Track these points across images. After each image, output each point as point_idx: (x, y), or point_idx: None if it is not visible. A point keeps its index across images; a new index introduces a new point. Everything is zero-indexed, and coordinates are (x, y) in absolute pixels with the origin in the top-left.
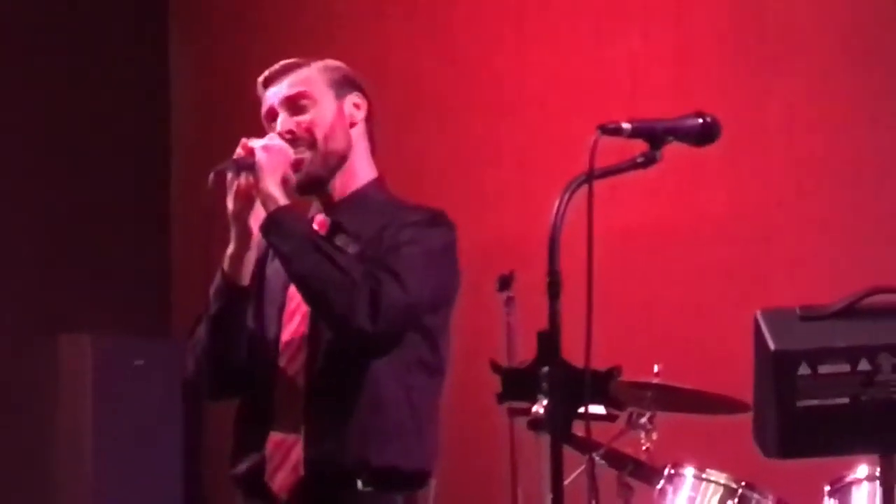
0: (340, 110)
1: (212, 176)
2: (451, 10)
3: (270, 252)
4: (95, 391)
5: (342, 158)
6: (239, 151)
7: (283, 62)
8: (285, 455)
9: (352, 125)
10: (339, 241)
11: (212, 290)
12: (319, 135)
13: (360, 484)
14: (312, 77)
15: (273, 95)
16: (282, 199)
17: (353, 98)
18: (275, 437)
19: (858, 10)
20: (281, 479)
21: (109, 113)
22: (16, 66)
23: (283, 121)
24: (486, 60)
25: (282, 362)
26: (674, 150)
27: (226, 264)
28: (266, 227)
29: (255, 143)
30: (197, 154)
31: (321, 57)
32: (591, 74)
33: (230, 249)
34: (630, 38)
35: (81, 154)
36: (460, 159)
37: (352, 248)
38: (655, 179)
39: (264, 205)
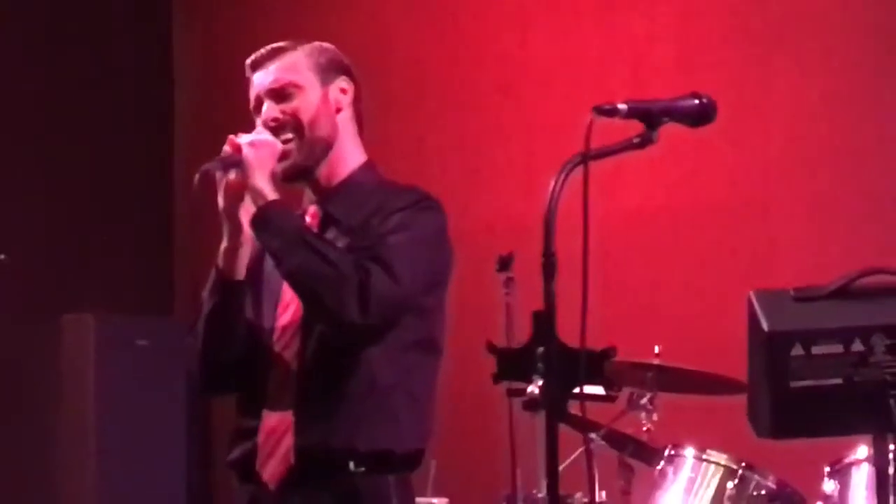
0: (325, 97)
1: (197, 176)
2: None
3: None
4: (98, 371)
5: (328, 145)
6: (226, 149)
7: (270, 46)
8: (276, 444)
9: (338, 111)
10: (332, 233)
11: (207, 287)
12: (305, 120)
13: (351, 465)
14: (298, 63)
15: (259, 84)
16: (270, 194)
17: (340, 83)
18: (268, 420)
19: None
20: (271, 469)
21: (112, 93)
22: (17, 46)
23: (268, 109)
24: (490, 41)
25: (277, 349)
26: (675, 131)
27: (220, 260)
28: (255, 223)
29: (243, 140)
30: (200, 134)
31: (319, 38)
32: (594, 55)
33: (223, 244)
34: (633, 20)
35: (84, 134)
36: (463, 140)
37: (344, 241)
38: (657, 161)
39: (253, 200)
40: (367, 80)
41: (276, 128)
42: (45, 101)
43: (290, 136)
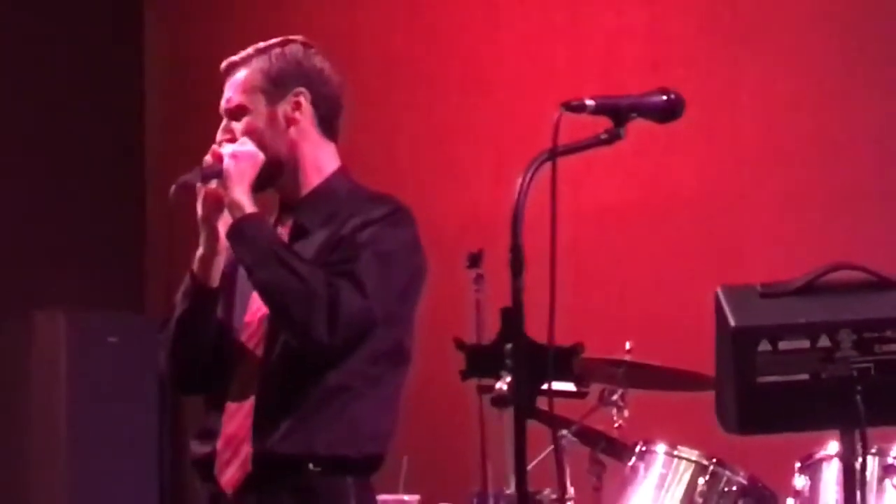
0: (273, 117)
1: (174, 187)
2: None
3: None
4: (69, 368)
5: (276, 164)
6: (207, 159)
7: (230, 59)
8: (235, 451)
9: (292, 124)
10: (302, 244)
11: (180, 290)
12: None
13: (310, 465)
14: (249, 81)
15: (224, 96)
16: (248, 207)
17: (292, 97)
18: (228, 425)
19: None
20: (229, 475)
21: (84, 90)
22: None
23: (222, 127)
24: (460, 37)
25: (243, 348)
26: (645, 127)
27: (195, 266)
28: (231, 235)
29: (225, 150)
30: (171, 129)
31: (289, 33)
32: (565, 51)
33: (199, 251)
34: (604, 15)
35: (54, 131)
36: (433, 136)
37: (313, 252)
38: (628, 157)
39: (231, 212)
40: (338, 74)
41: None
42: (14, 98)
43: None
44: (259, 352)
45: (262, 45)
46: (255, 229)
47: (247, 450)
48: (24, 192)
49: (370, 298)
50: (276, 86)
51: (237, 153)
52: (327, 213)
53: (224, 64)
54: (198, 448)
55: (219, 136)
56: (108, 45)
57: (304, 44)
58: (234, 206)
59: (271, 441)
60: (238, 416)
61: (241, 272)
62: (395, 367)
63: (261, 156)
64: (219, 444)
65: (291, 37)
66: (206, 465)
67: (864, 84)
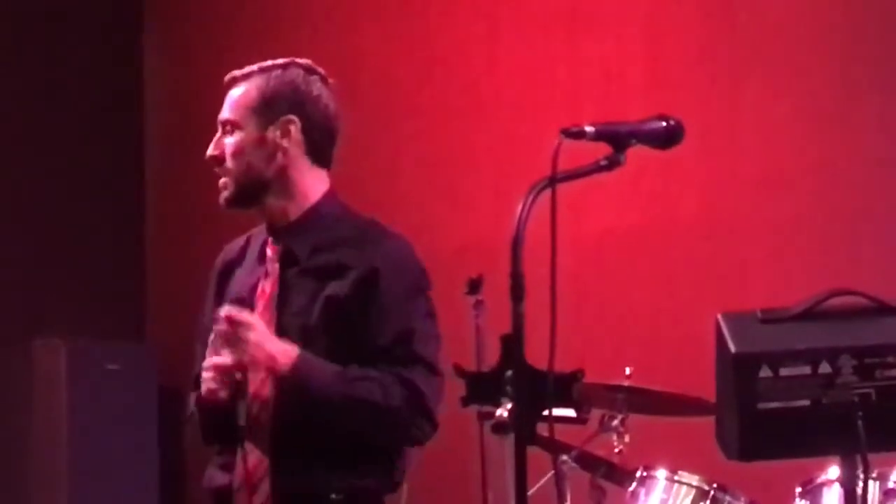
0: (261, 140)
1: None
2: (425, 12)
3: (237, 261)
4: (70, 395)
5: (260, 185)
6: (208, 367)
7: (232, 73)
8: (255, 486)
9: (280, 150)
10: (293, 271)
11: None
12: (233, 160)
13: (332, 495)
14: (245, 99)
15: (223, 107)
16: (287, 363)
17: (282, 123)
18: (246, 461)
19: (829, 9)
20: None
21: (83, 114)
22: None
23: (215, 140)
24: (460, 63)
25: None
26: (646, 152)
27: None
28: (290, 391)
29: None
30: (172, 156)
31: (297, 53)
32: (565, 77)
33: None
34: (603, 41)
35: (54, 157)
36: (433, 162)
37: (305, 281)
38: (628, 182)
39: (277, 372)
40: (337, 102)
41: (212, 161)
42: (14, 123)
43: (223, 172)
44: (266, 390)
45: (266, 63)
46: (311, 372)
47: (266, 486)
48: (24, 221)
49: (439, 369)
50: (268, 109)
51: (254, 356)
52: (314, 243)
53: (227, 76)
54: (217, 477)
55: (210, 149)
56: (107, 73)
57: (306, 68)
58: (276, 370)
59: (291, 479)
60: (257, 451)
61: (238, 280)
62: None
63: (256, 324)
64: (236, 480)
65: (298, 60)
66: (224, 496)
67: (863, 107)
